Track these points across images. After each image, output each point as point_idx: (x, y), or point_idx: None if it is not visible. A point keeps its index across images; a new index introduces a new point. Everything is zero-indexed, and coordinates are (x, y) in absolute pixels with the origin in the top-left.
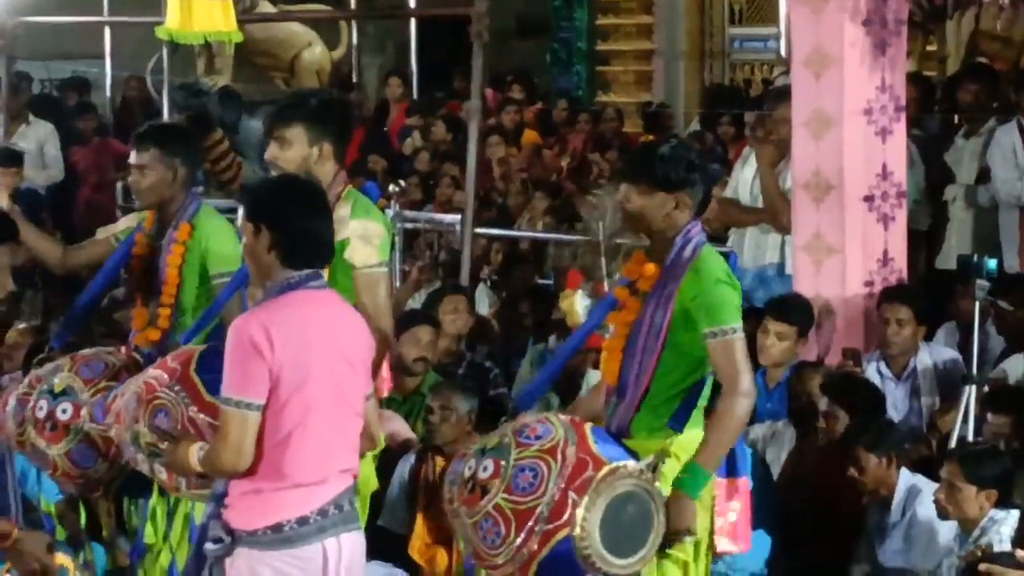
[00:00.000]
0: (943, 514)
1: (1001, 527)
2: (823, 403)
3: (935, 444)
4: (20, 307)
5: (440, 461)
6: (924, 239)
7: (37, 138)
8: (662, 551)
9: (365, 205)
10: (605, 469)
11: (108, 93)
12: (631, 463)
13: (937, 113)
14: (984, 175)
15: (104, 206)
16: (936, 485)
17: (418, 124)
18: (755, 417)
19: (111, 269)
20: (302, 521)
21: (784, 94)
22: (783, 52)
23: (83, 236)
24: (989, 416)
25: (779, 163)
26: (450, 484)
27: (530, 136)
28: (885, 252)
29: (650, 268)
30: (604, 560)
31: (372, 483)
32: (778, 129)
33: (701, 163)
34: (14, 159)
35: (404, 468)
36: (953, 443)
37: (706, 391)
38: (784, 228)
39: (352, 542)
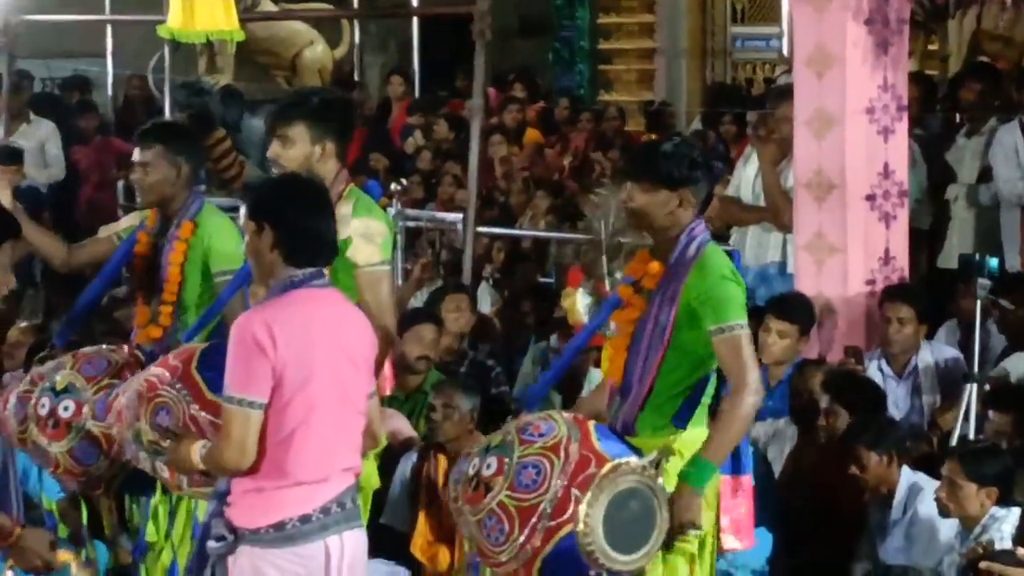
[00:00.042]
0: (944, 512)
1: (1002, 525)
2: (824, 401)
3: (936, 442)
4: (21, 305)
5: (442, 459)
6: (926, 238)
7: (38, 137)
8: (667, 546)
9: (367, 203)
10: (608, 465)
11: (110, 92)
12: (634, 460)
13: (939, 112)
14: (986, 174)
15: (105, 205)
16: (937, 483)
17: (420, 123)
18: (757, 415)
19: (113, 267)
20: (305, 519)
21: (786, 93)
22: (785, 51)
23: (85, 235)
24: (990, 414)
25: (781, 162)
26: (455, 483)
27: (532, 135)
28: (887, 251)
29: (654, 266)
30: (607, 556)
31: (374, 481)
32: (780, 128)
33: (704, 161)
34: (14, 157)
35: (406, 466)
36: (954, 441)
37: (710, 388)
38: (786, 227)
39: (354, 540)
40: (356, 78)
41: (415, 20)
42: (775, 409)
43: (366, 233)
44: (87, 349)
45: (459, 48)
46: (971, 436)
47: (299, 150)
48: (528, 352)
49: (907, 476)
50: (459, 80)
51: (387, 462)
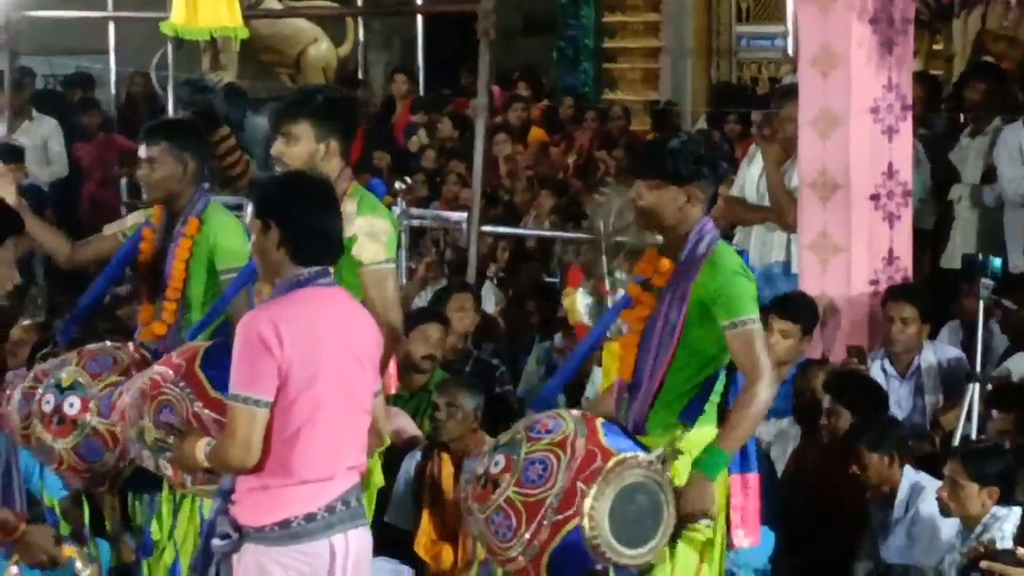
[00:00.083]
0: (946, 511)
1: (1003, 524)
2: (826, 401)
3: (938, 442)
4: (24, 303)
5: (446, 458)
6: (929, 238)
7: (41, 134)
8: (675, 540)
9: (371, 202)
10: (614, 460)
11: (112, 89)
12: (641, 454)
13: (943, 112)
14: (990, 174)
15: (108, 202)
16: (939, 482)
17: (424, 121)
18: None
19: (117, 265)
20: (309, 517)
21: (791, 92)
22: (790, 50)
23: (87, 232)
24: (992, 414)
25: (785, 162)
26: (465, 483)
27: (536, 134)
28: (890, 251)
29: (665, 264)
30: (614, 550)
31: (378, 479)
32: (784, 127)
33: (710, 157)
34: (14, 154)
35: (410, 465)
36: (956, 441)
37: (719, 386)
38: (790, 227)
39: (359, 538)
40: (360, 76)
41: (419, 18)
42: (778, 409)
43: (371, 231)
44: (92, 346)
45: (463, 46)
46: (973, 436)
47: (303, 148)
48: (532, 351)
49: (909, 476)
50: (463, 78)
51: (391, 460)
